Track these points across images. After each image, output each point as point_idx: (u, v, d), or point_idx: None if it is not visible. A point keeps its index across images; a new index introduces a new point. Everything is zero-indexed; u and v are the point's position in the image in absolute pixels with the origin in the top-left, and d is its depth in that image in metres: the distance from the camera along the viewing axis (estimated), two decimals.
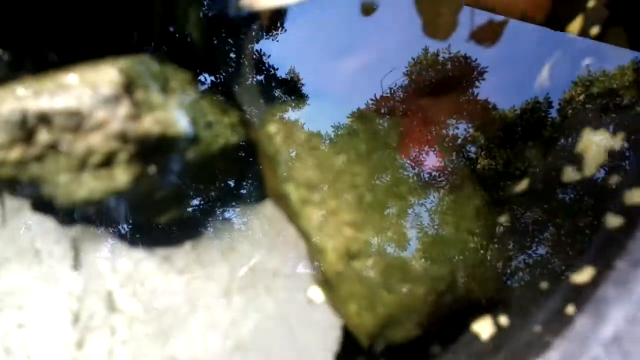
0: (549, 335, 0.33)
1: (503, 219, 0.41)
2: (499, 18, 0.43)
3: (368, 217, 0.37)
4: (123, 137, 0.31)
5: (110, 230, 0.37)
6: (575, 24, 0.44)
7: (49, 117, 0.30)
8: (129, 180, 0.33)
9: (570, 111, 0.43)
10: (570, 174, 0.41)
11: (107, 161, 0.32)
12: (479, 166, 0.42)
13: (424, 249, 0.37)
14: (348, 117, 0.40)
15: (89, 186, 0.32)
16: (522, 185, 0.42)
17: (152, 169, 0.33)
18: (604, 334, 0.29)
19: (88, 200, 0.33)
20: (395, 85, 0.41)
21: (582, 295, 0.34)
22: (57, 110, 0.30)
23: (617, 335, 0.29)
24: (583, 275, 0.35)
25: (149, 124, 0.32)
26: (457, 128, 0.42)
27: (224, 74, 0.40)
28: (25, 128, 0.30)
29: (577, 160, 0.41)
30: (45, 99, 0.30)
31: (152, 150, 0.33)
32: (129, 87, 0.32)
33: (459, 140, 0.41)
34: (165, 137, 0.33)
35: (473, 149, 0.42)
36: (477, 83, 0.42)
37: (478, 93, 0.42)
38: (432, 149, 0.40)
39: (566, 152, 0.42)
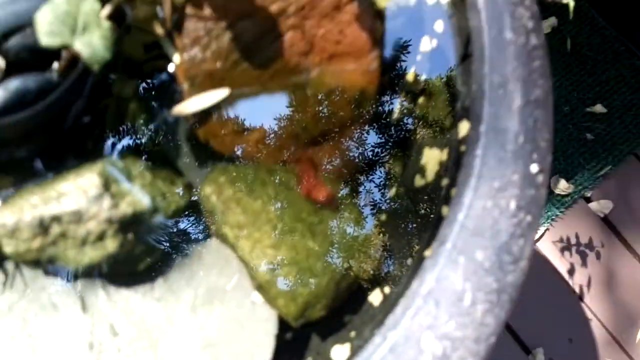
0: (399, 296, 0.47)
1: (382, 217, 0.55)
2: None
3: (282, 240, 0.50)
4: (109, 221, 0.44)
5: (104, 281, 0.49)
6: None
7: (59, 217, 0.43)
8: (116, 247, 0.46)
9: (416, 138, 0.60)
10: (419, 181, 0.55)
11: (100, 237, 0.44)
12: (360, 187, 0.56)
13: (322, 254, 0.51)
14: (259, 173, 0.53)
15: (89, 255, 0.45)
16: (392, 191, 0.56)
17: (130, 236, 0.46)
18: (423, 291, 0.42)
19: (90, 264, 0.46)
20: (289, 145, 0.55)
21: (422, 266, 0.49)
22: (64, 212, 0.43)
23: (430, 290, 0.43)
24: (429, 251, 0.44)
25: (124, 207, 0.45)
26: (337, 164, 0.57)
27: (169, 157, 0.53)
28: (43, 226, 0.43)
29: (422, 171, 0.55)
30: (54, 204, 0.42)
31: (128, 224, 0.46)
32: (106, 185, 0.45)
33: (340, 173, 0.55)
34: (135, 214, 0.46)
35: (353, 177, 0.56)
36: (345, 131, 0.59)
37: (348, 138, 0.58)
38: (320, 184, 0.54)
39: (415, 166, 0.57)
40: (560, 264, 1.33)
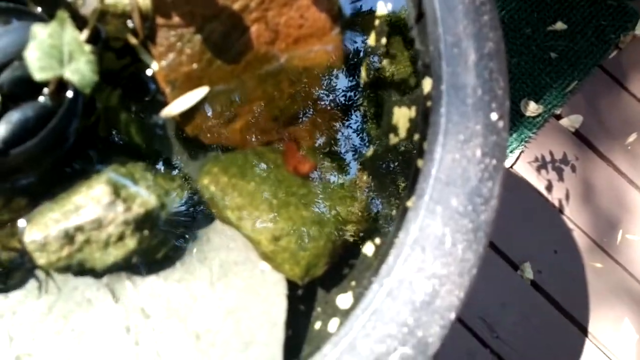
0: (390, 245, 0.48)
1: (364, 177, 0.60)
2: None
3: (279, 214, 0.53)
4: (126, 222, 0.48)
5: (129, 272, 0.53)
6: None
7: (81, 227, 0.47)
8: (135, 244, 0.49)
9: (385, 99, 0.64)
10: (393, 139, 0.57)
11: (120, 238, 0.49)
12: (340, 154, 0.61)
13: (316, 220, 0.56)
14: (248, 158, 0.55)
15: (114, 254, 0.49)
16: (370, 151, 0.61)
17: (146, 232, 0.50)
18: (409, 240, 0.45)
19: (115, 262, 0.51)
20: (270, 128, 0.59)
21: (406, 218, 0.48)
22: (85, 222, 0.46)
23: (415, 239, 0.45)
24: (410, 203, 0.48)
25: (136, 209, 0.50)
26: (316, 137, 0.62)
27: (165, 156, 0.56)
28: (68, 236, 0.46)
29: (394, 129, 0.57)
30: (74, 217, 0.46)
31: (142, 222, 0.50)
32: (116, 192, 0.49)
33: (321, 147, 0.61)
34: (147, 212, 0.51)
35: (333, 145, 0.61)
36: (320, 106, 0.63)
37: (323, 111, 0.62)
38: (304, 158, 0.59)
39: (388, 125, 0.60)
40: (538, 182, 1.40)
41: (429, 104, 0.49)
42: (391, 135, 0.58)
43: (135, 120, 0.57)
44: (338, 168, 0.58)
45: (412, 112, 0.56)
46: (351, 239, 0.55)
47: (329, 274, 0.53)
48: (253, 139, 0.55)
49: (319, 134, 0.60)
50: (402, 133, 0.57)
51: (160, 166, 0.54)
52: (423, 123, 0.50)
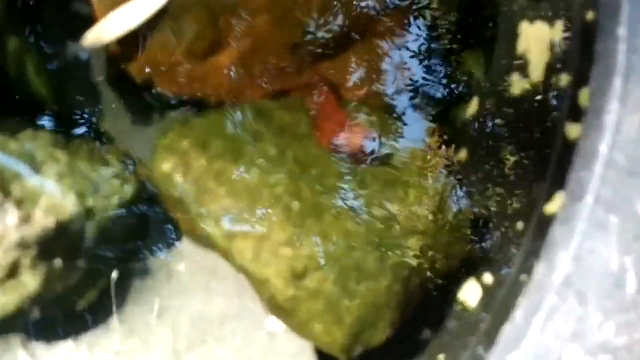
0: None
1: (462, 155, 0.52)
2: None
3: (303, 228, 0.48)
4: (23, 244, 0.43)
5: (26, 336, 0.49)
6: None
7: None
8: (39, 283, 0.45)
9: (502, 7, 0.53)
10: (517, 83, 0.51)
11: (12, 272, 0.44)
12: (416, 112, 0.52)
13: (372, 238, 0.49)
14: (245, 121, 0.50)
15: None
16: (473, 106, 0.53)
17: (57, 262, 0.46)
18: (555, 278, 0.39)
19: (3, 316, 0.45)
20: (285, 63, 0.51)
21: (547, 235, 0.41)
22: None
23: (567, 276, 0.38)
24: (553, 207, 0.42)
25: (40, 218, 0.44)
26: (373, 83, 0.52)
27: (87, 118, 0.51)
28: None
29: (521, 65, 0.51)
30: None
31: (52, 242, 0.45)
32: (2, 187, 0.43)
33: (380, 100, 0.52)
34: (60, 224, 0.45)
35: (403, 96, 0.53)
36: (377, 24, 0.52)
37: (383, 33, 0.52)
38: (352, 121, 0.51)
39: (507, 56, 0.52)
40: None
41: (590, 15, 0.43)
42: (514, 76, 0.51)
43: (37, 53, 0.51)
44: (412, 140, 0.52)
45: (555, 31, 0.49)
46: (437, 276, 0.51)
47: (395, 342, 0.50)
48: (253, 86, 0.51)
49: (376, 75, 0.52)
50: (535, 72, 0.50)
51: (82, 138, 0.51)
52: (579, 53, 0.44)
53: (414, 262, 0.50)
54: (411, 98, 0.54)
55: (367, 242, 0.49)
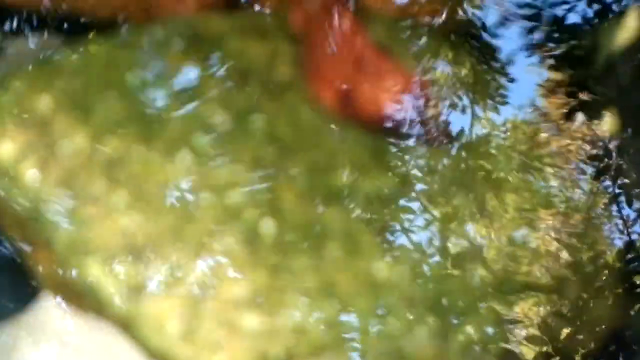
0: None
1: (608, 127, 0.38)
2: None
3: (286, 273, 0.31)
4: None
5: None
6: None
7: None
8: None
9: None
10: None
11: None
12: (526, 46, 0.38)
13: (437, 296, 0.32)
14: (167, 56, 0.34)
15: None
16: (630, 22, 0.38)
17: None
18: None
19: None
20: None
21: None
22: None
23: None
24: None
25: None
26: None
27: None
28: None
29: None
30: None
31: None
32: None
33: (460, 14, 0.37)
34: None
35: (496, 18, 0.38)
36: None
37: None
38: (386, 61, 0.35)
39: None
40: None
41: None
42: None
43: None
44: (517, 107, 0.37)
45: None
46: None
47: None
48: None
49: None
50: None
51: None
52: None
53: (520, 349, 0.33)
54: (518, 21, 0.40)
55: (424, 304, 0.31)
